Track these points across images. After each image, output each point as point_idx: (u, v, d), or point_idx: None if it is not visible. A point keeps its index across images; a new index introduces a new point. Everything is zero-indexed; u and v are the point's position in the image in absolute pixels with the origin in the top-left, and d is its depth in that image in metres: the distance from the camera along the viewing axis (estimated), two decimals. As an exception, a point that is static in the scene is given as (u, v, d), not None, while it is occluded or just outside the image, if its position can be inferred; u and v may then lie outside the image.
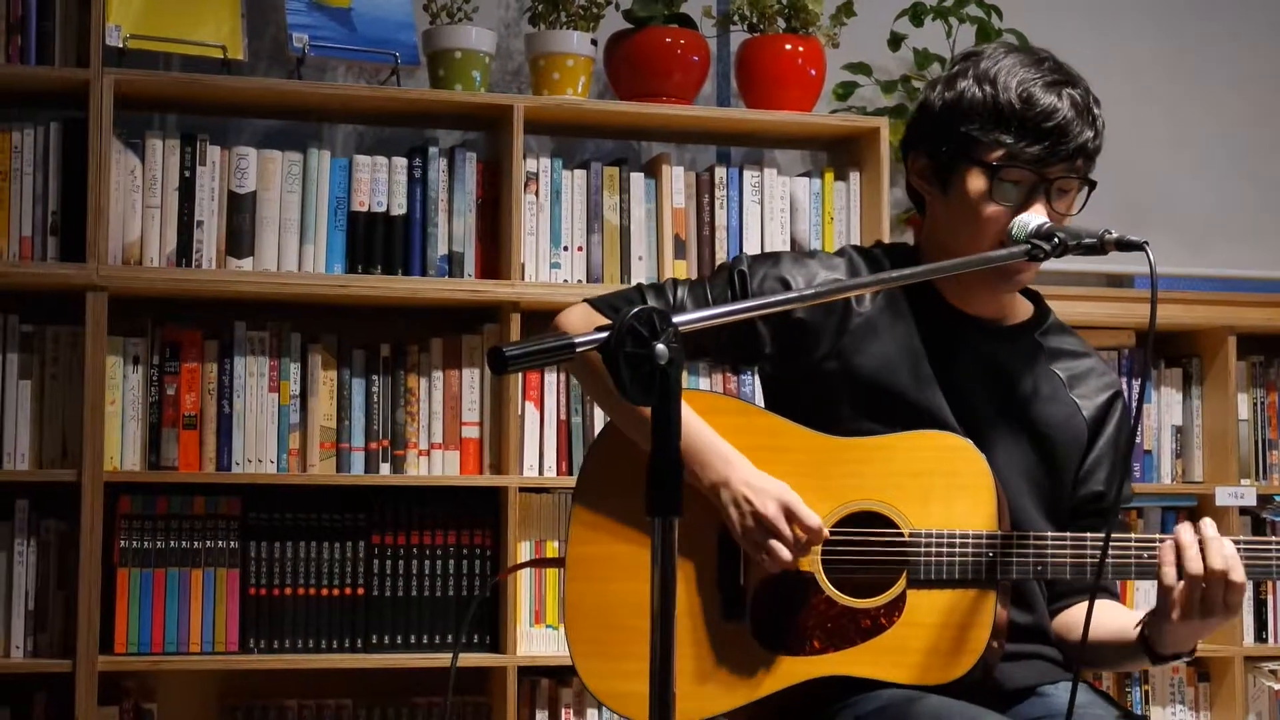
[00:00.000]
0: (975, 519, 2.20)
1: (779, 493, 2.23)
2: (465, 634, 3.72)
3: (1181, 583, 2.12)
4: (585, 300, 2.37)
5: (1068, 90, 2.24)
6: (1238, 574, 2.11)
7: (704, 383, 3.84)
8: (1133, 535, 2.23)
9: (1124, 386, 2.47)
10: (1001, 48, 2.30)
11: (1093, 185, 2.29)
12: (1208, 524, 2.14)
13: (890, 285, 2.29)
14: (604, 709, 3.80)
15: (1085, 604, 2.16)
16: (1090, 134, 2.24)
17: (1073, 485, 2.36)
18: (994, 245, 2.23)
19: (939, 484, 2.22)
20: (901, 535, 2.22)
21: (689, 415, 2.26)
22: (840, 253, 2.41)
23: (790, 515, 2.22)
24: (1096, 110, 2.27)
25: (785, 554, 2.21)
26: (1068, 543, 2.20)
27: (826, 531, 2.23)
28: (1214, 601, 2.12)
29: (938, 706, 2.11)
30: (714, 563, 2.29)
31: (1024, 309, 2.42)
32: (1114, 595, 2.42)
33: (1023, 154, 2.22)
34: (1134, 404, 2.99)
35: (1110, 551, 2.17)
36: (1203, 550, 2.12)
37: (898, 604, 2.21)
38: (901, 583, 2.21)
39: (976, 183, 2.25)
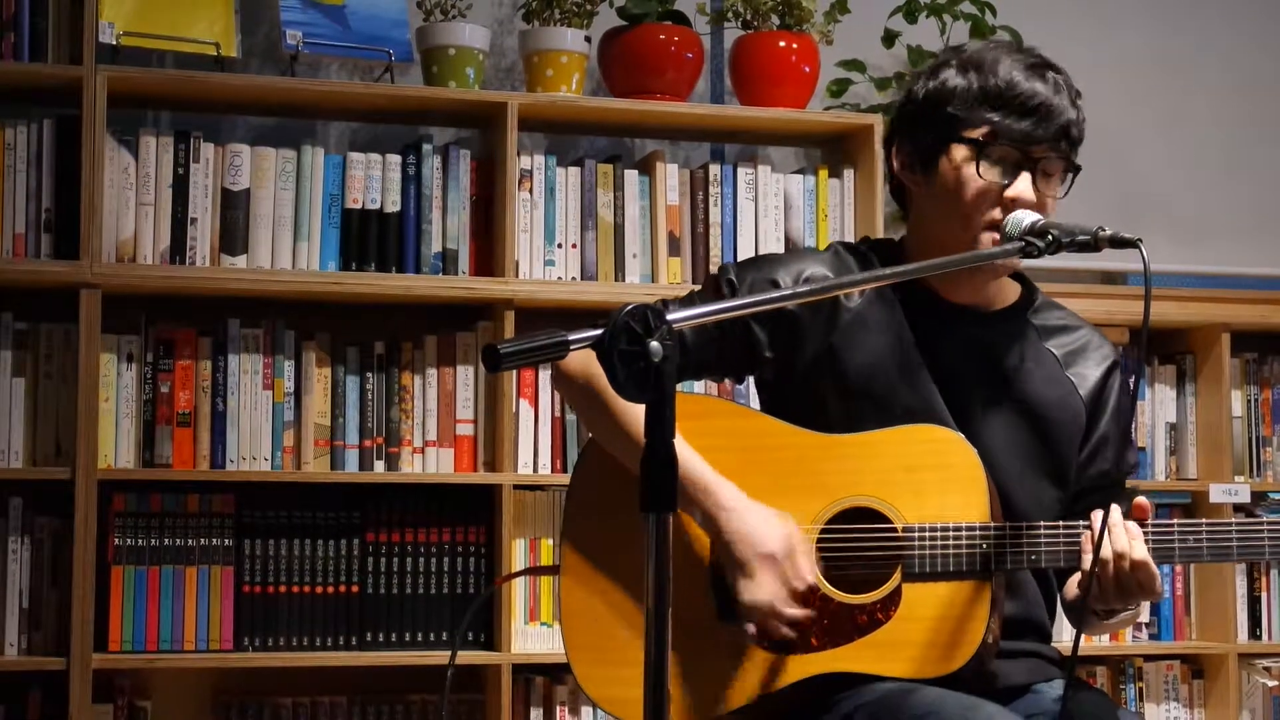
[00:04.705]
0: (968, 511, 2.21)
1: (773, 545, 2.21)
2: (452, 631, 3.72)
3: (1096, 568, 2.16)
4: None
5: (1051, 74, 2.29)
6: (1139, 552, 2.15)
7: (697, 388, 3.84)
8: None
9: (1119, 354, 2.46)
10: (988, 42, 2.37)
11: (1077, 170, 2.32)
12: (1113, 510, 2.17)
13: (883, 283, 2.29)
14: (599, 708, 3.80)
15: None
16: (1073, 115, 2.29)
17: (1080, 465, 2.36)
18: (981, 224, 2.26)
19: (930, 477, 2.22)
20: (895, 530, 2.22)
21: (684, 447, 2.25)
22: (827, 249, 2.43)
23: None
24: (1078, 99, 2.31)
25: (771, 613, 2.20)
26: (1060, 532, 2.21)
27: (819, 587, 2.22)
28: (1128, 585, 2.17)
29: (934, 697, 2.12)
30: (708, 564, 2.28)
31: (1012, 292, 2.42)
32: None
33: (1009, 130, 2.25)
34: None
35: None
36: (1111, 536, 2.16)
37: (893, 599, 2.21)
38: (896, 577, 2.22)
39: (962, 160, 2.28)
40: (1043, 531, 2.21)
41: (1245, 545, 2.21)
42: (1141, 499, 2.23)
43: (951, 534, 2.20)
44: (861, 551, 2.23)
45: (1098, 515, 2.17)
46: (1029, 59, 2.29)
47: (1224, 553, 2.21)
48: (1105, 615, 2.28)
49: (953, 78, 2.30)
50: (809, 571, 2.21)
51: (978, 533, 2.20)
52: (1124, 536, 2.16)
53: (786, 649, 2.23)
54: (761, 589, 2.20)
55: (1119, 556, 2.15)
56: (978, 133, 2.27)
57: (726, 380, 2.52)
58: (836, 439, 2.27)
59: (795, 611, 2.21)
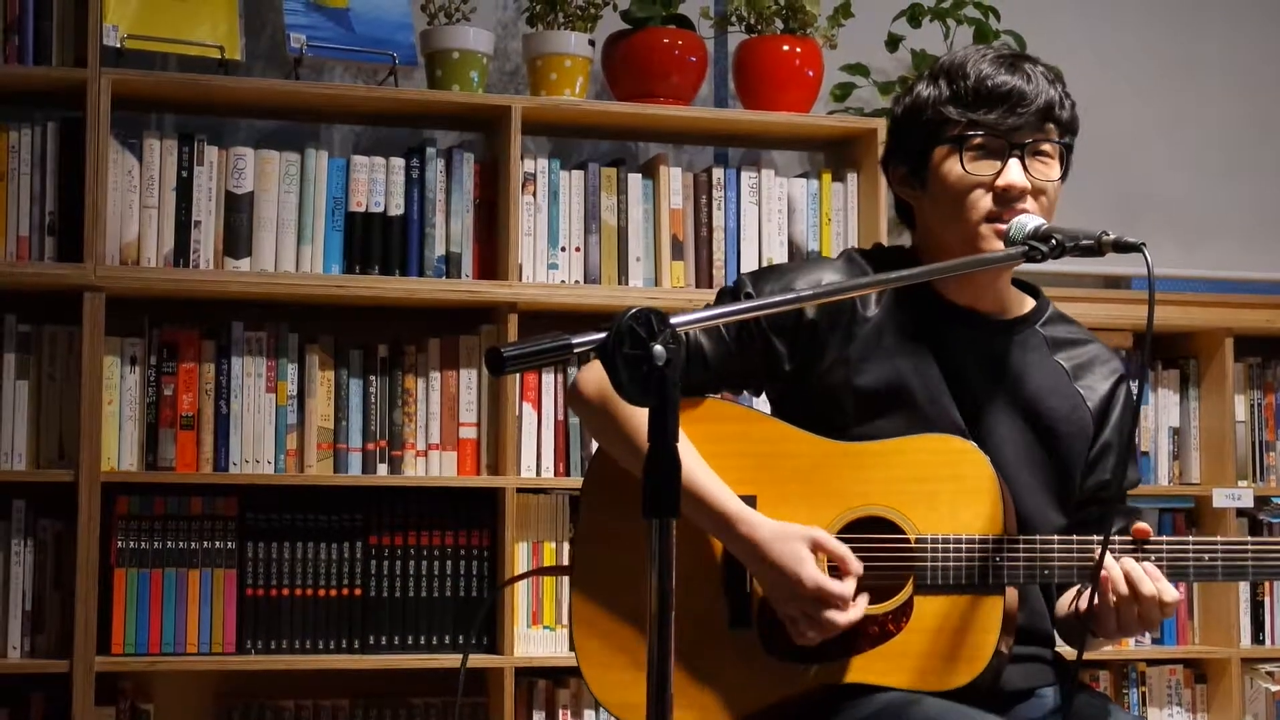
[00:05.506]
0: (980, 523, 2.20)
1: (808, 584, 2.19)
2: (465, 636, 3.72)
3: (1115, 603, 2.16)
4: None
5: (1024, 65, 2.30)
6: (1171, 595, 2.16)
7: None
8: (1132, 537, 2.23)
9: (1126, 368, 2.46)
10: (958, 50, 2.38)
11: (1070, 147, 2.32)
12: (1136, 563, 2.17)
13: (890, 285, 2.29)
14: (601, 711, 3.81)
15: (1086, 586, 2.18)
16: (1052, 96, 2.29)
17: (1081, 474, 2.36)
18: (977, 218, 2.27)
19: (944, 489, 2.22)
20: (908, 540, 2.22)
21: (703, 469, 2.25)
22: (840, 256, 2.43)
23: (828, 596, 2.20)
24: (1060, 82, 2.31)
25: (840, 621, 2.18)
26: (1074, 545, 2.20)
27: (859, 568, 2.20)
28: (1152, 619, 2.17)
29: (935, 709, 2.11)
30: (720, 570, 2.28)
31: (1024, 303, 2.42)
32: None
33: (983, 120, 2.27)
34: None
35: (1110, 548, 2.18)
36: (1130, 586, 2.15)
37: (905, 610, 2.21)
38: (908, 588, 2.21)
39: (947, 160, 2.29)
40: (1056, 545, 2.20)
41: (1261, 565, 2.19)
42: (1141, 524, 2.22)
43: (964, 546, 2.19)
44: (874, 562, 2.22)
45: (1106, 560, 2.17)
46: (998, 55, 2.31)
47: (1238, 572, 2.20)
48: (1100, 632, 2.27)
49: (925, 89, 2.33)
50: (843, 588, 2.20)
51: (990, 545, 2.19)
52: (1150, 584, 2.15)
53: (797, 657, 2.22)
54: (809, 627, 2.20)
55: (1148, 600, 2.14)
56: (956, 130, 2.28)
57: (745, 392, 2.49)
58: (851, 447, 2.26)
59: (844, 619, 2.20)
